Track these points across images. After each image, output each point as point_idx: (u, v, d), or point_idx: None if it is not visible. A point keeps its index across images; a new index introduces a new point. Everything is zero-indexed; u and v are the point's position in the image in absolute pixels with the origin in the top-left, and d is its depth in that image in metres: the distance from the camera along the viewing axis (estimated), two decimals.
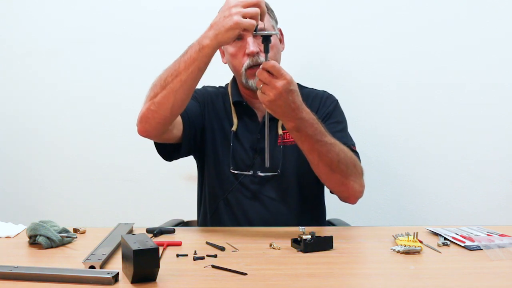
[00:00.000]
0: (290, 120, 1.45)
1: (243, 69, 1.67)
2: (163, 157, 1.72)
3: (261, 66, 1.39)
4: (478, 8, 2.18)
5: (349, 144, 1.68)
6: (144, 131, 1.57)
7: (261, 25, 1.45)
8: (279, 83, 1.38)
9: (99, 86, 2.32)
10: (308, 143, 1.50)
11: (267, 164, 1.45)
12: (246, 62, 1.66)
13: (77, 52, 2.31)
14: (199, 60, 1.42)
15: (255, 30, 1.38)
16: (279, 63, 1.75)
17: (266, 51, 1.42)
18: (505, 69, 2.19)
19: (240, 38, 1.66)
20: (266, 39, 1.43)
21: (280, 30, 1.80)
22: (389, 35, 2.21)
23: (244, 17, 1.34)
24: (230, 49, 1.69)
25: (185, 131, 1.66)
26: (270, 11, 1.75)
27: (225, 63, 1.78)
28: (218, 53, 1.81)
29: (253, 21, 1.34)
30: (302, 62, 2.22)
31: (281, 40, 1.79)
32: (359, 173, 1.61)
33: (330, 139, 1.52)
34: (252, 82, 1.67)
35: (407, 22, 2.20)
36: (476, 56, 2.19)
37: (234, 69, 1.73)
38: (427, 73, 2.21)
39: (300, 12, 2.21)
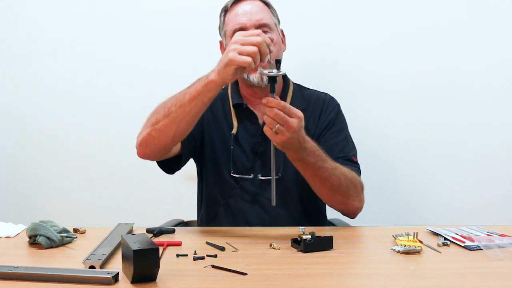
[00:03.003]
0: (295, 152, 1.47)
1: None
2: (164, 171, 1.72)
3: (270, 107, 1.38)
4: (478, 8, 2.17)
5: (350, 155, 1.71)
6: (143, 155, 1.59)
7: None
8: (294, 122, 1.39)
9: (99, 86, 2.31)
10: (310, 171, 1.53)
11: (274, 203, 1.43)
12: None
13: (77, 52, 2.31)
14: (203, 94, 1.43)
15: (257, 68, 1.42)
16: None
17: (273, 90, 1.41)
18: (505, 69, 2.19)
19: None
20: (272, 80, 1.41)
21: (282, 31, 1.80)
22: (390, 35, 2.21)
23: (240, 54, 1.35)
24: None
25: (184, 146, 1.66)
26: (272, 9, 1.76)
27: None
28: (218, 52, 1.82)
29: (247, 59, 1.34)
30: (303, 62, 2.22)
31: (282, 41, 1.78)
32: (359, 190, 1.64)
33: (331, 163, 1.54)
34: (253, 77, 1.66)
35: (407, 22, 2.20)
36: (476, 56, 2.19)
37: None
38: (427, 73, 2.21)
39: (301, 12, 2.21)
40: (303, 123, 1.42)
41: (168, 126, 1.49)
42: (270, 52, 1.39)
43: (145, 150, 1.58)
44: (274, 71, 1.42)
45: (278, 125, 1.38)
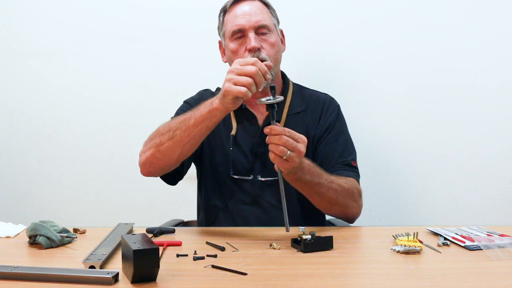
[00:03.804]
0: (294, 174, 1.48)
1: None
2: (167, 183, 1.72)
3: (275, 134, 1.38)
4: (478, 9, 2.17)
5: (349, 160, 1.72)
6: (147, 173, 1.62)
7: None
8: (302, 147, 1.40)
9: (100, 86, 2.32)
10: (308, 188, 1.54)
11: (288, 229, 1.40)
12: (247, 57, 1.64)
13: (77, 52, 2.31)
14: (208, 120, 1.45)
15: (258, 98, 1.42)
16: (279, 63, 1.75)
17: (272, 117, 1.42)
18: (505, 69, 2.18)
19: (241, 36, 1.66)
20: (271, 107, 1.41)
21: (281, 31, 1.80)
22: (390, 35, 2.21)
23: (235, 84, 1.36)
24: (231, 46, 1.68)
25: (185, 160, 1.64)
26: (271, 10, 1.75)
27: (226, 62, 1.77)
28: (218, 52, 1.81)
29: (242, 89, 1.35)
30: (302, 62, 2.22)
31: (282, 41, 1.78)
32: (357, 198, 1.66)
33: (326, 177, 1.55)
34: None
35: (407, 22, 2.19)
36: (476, 57, 2.18)
37: None
38: (427, 73, 2.21)
39: (301, 12, 2.21)
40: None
41: (173, 149, 1.51)
42: (266, 80, 1.40)
43: (149, 170, 1.61)
44: (271, 99, 1.41)
45: (289, 152, 1.38)
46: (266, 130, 1.40)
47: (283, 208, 1.40)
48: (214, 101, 1.44)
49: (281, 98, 1.44)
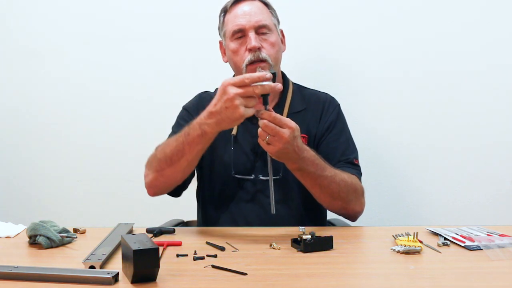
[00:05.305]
0: (294, 162, 1.48)
1: (244, 64, 1.65)
2: (173, 196, 1.73)
3: (262, 118, 1.40)
4: (479, 11, 2.17)
5: (351, 158, 1.72)
6: (154, 194, 1.67)
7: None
8: (286, 133, 1.41)
9: (100, 87, 2.32)
10: (310, 179, 1.54)
11: (273, 210, 1.43)
12: (248, 57, 1.64)
13: (77, 53, 2.31)
14: (203, 143, 1.47)
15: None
16: (279, 63, 1.75)
17: (266, 103, 1.43)
18: (505, 70, 2.19)
19: (241, 36, 1.66)
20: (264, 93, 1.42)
21: (281, 31, 1.79)
22: (389, 35, 2.21)
23: (246, 106, 1.36)
24: (232, 45, 1.68)
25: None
26: (272, 10, 1.75)
27: (226, 61, 1.77)
28: (219, 52, 1.81)
29: (255, 110, 1.38)
30: (302, 62, 2.22)
31: (282, 41, 1.78)
32: (359, 195, 1.66)
33: (330, 171, 1.56)
34: None
35: (407, 23, 2.20)
36: (477, 57, 2.19)
37: (234, 66, 1.72)
38: (427, 74, 2.21)
39: (301, 12, 2.21)
40: (297, 133, 1.43)
41: (174, 174, 1.55)
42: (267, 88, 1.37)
43: (155, 191, 1.65)
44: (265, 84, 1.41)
45: (269, 136, 1.40)
46: (256, 113, 1.42)
47: (270, 190, 1.43)
48: (205, 128, 1.42)
49: (275, 84, 1.44)
